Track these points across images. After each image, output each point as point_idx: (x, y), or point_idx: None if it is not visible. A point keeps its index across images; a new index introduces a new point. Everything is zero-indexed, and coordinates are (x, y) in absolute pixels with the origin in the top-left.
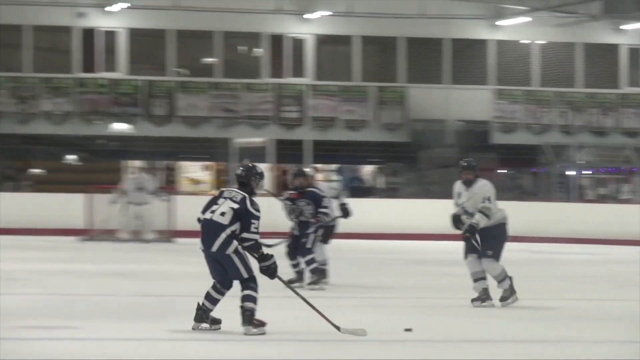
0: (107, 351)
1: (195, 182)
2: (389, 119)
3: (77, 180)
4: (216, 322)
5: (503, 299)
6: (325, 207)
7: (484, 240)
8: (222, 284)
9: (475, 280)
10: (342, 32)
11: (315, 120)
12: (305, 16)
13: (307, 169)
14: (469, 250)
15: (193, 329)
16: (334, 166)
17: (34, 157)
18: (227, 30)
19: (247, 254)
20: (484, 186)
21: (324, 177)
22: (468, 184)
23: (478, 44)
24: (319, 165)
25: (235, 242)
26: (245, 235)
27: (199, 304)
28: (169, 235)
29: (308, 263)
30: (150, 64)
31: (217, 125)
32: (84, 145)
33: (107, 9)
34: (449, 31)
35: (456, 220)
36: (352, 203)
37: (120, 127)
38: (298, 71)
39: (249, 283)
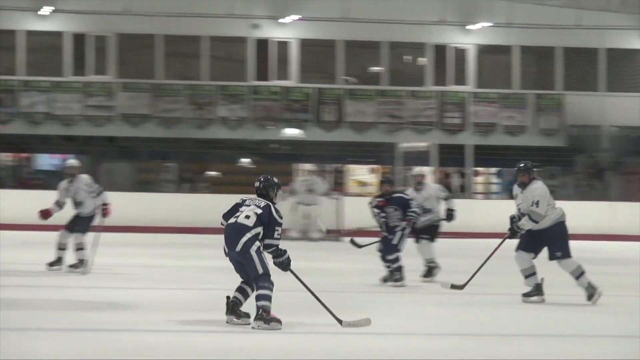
0: (276, 345)
1: (362, 184)
2: (546, 124)
3: (251, 182)
4: (247, 315)
5: (590, 296)
6: (415, 209)
7: (549, 242)
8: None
9: (527, 277)
10: (502, 42)
11: (476, 126)
12: (467, 27)
13: (418, 170)
14: (519, 246)
15: (227, 322)
16: (493, 170)
17: (211, 160)
18: (393, 41)
19: (265, 255)
20: (535, 190)
21: (484, 180)
22: (523, 186)
23: (632, 53)
24: (480, 169)
25: (258, 243)
26: (268, 241)
27: (228, 297)
28: (337, 234)
29: (393, 261)
30: (320, 73)
31: (383, 130)
32: (258, 149)
33: (280, 20)
34: (604, 41)
35: (511, 221)
36: (511, 205)
37: (291, 132)
38: (460, 79)
39: (264, 282)
